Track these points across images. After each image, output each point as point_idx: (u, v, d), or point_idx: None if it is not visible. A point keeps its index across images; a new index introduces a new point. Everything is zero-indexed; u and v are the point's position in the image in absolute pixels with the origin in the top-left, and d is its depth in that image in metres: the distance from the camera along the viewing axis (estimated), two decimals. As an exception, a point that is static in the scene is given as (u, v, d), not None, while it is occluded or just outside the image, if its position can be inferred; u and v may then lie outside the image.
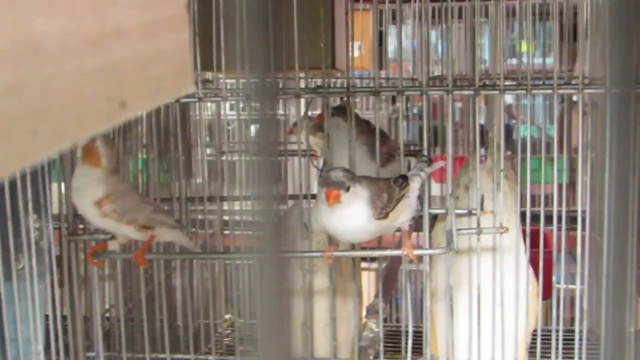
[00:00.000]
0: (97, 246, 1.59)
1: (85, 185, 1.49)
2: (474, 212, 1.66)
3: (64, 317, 1.74)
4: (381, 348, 1.72)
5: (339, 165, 1.59)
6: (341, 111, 1.79)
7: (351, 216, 1.41)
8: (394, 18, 3.37)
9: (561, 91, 1.63)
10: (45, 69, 0.55)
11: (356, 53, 2.79)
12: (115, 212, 1.50)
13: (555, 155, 1.79)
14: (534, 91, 1.62)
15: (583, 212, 1.78)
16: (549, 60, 2.66)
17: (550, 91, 1.62)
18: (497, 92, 1.63)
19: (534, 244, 1.77)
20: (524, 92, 1.62)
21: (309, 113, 2.18)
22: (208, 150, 2.20)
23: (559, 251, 1.84)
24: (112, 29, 0.64)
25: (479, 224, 1.64)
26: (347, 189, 1.38)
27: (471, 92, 1.63)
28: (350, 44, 1.77)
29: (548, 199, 1.90)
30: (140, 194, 1.63)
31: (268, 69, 0.50)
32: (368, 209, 1.41)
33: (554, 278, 1.81)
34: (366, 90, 1.75)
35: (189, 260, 1.97)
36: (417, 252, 1.55)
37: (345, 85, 1.70)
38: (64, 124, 0.57)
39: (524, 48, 2.53)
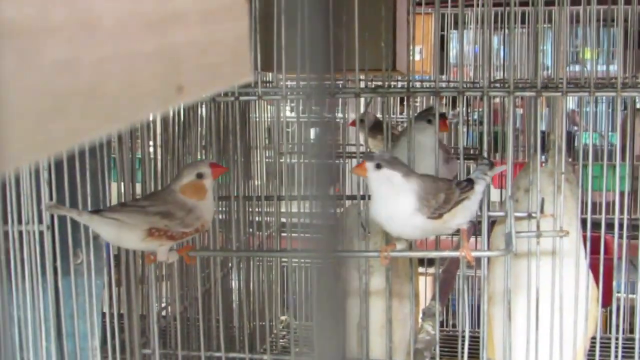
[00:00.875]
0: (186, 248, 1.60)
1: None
2: (533, 215, 1.63)
3: (120, 315, 1.75)
4: (437, 351, 1.70)
5: (421, 171, 1.59)
6: (423, 116, 1.80)
7: (394, 206, 1.40)
8: (455, 23, 3.35)
9: (625, 94, 1.60)
10: (102, 48, 0.55)
11: (417, 57, 2.78)
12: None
13: (617, 162, 1.76)
14: (597, 93, 1.59)
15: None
16: (613, 68, 2.63)
17: (613, 93, 1.60)
18: (559, 93, 1.60)
19: (595, 251, 1.74)
20: (586, 93, 1.59)
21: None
22: (267, 152, 2.20)
23: (619, 258, 1.81)
24: (170, 13, 0.64)
25: (538, 227, 1.61)
26: (378, 166, 1.37)
27: (533, 94, 1.60)
28: (411, 46, 1.76)
29: (609, 206, 1.87)
30: None
31: (327, 70, 0.49)
32: (415, 203, 1.39)
33: (614, 285, 1.78)
34: (426, 91, 1.74)
35: (245, 261, 1.98)
36: (475, 254, 1.54)
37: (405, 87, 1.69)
38: (119, 104, 0.57)
39: (588, 55, 2.50)
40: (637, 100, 2.45)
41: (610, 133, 3.28)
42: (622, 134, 2.19)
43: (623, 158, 1.85)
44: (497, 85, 2.21)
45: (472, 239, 2.11)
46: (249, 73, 0.80)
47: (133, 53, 0.59)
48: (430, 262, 3.09)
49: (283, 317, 2.35)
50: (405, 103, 3.66)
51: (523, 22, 2.96)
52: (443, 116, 1.79)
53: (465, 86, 1.68)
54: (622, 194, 1.80)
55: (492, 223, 1.83)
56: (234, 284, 2.09)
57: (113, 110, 0.56)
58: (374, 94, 1.68)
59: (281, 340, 2.27)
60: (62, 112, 0.51)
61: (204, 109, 1.89)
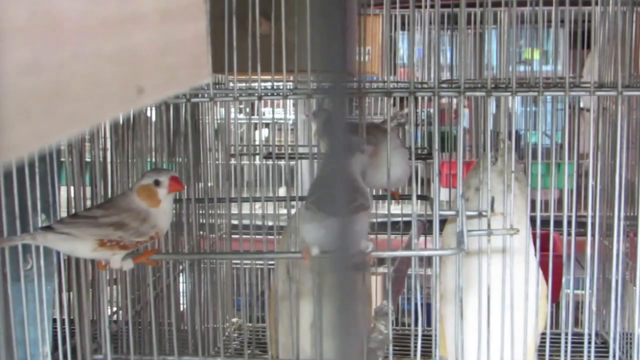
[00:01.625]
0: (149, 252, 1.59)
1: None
2: (484, 213, 1.65)
3: (71, 321, 1.73)
4: (390, 350, 1.71)
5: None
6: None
7: None
8: (402, 24, 3.37)
9: (573, 93, 1.63)
10: (64, 49, 0.54)
11: (365, 58, 2.79)
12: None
13: (566, 160, 1.79)
14: (546, 93, 1.61)
15: (592, 217, 1.78)
16: (551, 68, 2.67)
17: (562, 93, 1.62)
18: (509, 93, 1.62)
19: (543, 248, 1.76)
20: (535, 93, 1.61)
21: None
22: (217, 154, 2.19)
23: (568, 254, 1.84)
24: (130, 14, 0.64)
25: (489, 225, 1.63)
26: None
27: (483, 94, 1.62)
28: (362, 47, 1.76)
29: (557, 204, 1.89)
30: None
31: (344, 69, 0.50)
32: None
33: (563, 281, 1.80)
34: (378, 91, 1.75)
35: (196, 263, 1.97)
36: (427, 252, 1.55)
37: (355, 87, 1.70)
38: (82, 106, 0.57)
39: (531, 55, 2.52)
40: (579, 100, 2.48)
41: (555, 132, 3.31)
42: (567, 134, 2.22)
43: (569, 157, 1.87)
44: (445, 85, 2.22)
45: (423, 238, 2.13)
46: (208, 74, 0.80)
47: (94, 54, 0.58)
48: (381, 261, 3.10)
49: (234, 319, 2.34)
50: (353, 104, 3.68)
51: (468, 23, 2.98)
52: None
53: (415, 87, 1.68)
54: (568, 191, 1.82)
55: (443, 222, 1.84)
56: (184, 287, 2.08)
57: (76, 112, 0.56)
58: (326, 94, 1.68)
59: (233, 342, 2.26)
60: (26, 115, 0.50)
61: (154, 111, 1.88)
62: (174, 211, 1.87)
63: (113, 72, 0.61)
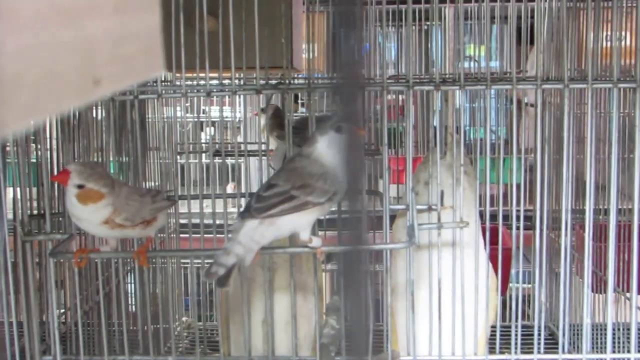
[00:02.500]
0: (82, 250, 1.57)
1: (90, 215, 1.47)
2: (434, 207, 1.66)
3: (19, 323, 1.71)
4: (342, 345, 1.71)
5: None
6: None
7: None
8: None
9: (520, 86, 1.65)
10: (21, 37, 0.54)
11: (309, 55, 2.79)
12: (127, 219, 1.49)
13: (514, 155, 1.80)
14: (493, 87, 1.63)
15: (539, 211, 1.80)
16: (495, 64, 2.69)
17: (509, 86, 1.63)
18: (457, 87, 1.63)
19: (491, 242, 1.78)
20: (483, 87, 1.63)
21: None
22: (162, 153, 2.18)
23: (518, 248, 1.85)
24: (86, 3, 0.63)
25: (439, 219, 1.64)
26: None
27: (432, 88, 1.63)
28: (310, 44, 1.76)
29: (505, 198, 1.92)
30: (132, 187, 1.59)
31: (357, 67, 0.50)
32: None
33: (512, 274, 1.82)
34: (327, 87, 1.75)
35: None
36: (378, 246, 1.56)
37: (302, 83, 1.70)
38: (39, 95, 0.56)
39: (476, 51, 2.55)
40: (519, 95, 2.50)
41: (500, 128, 3.35)
42: (511, 128, 2.24)
43: (513, 151, 1.89)
44: (391, 81, 2.23)
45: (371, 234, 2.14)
46: (161, 66, 0.80)
47: (51, 44, 0.58)
48: (329, 258, 3.11)
49: (184, 318, 2.33)
50: (299, 101, 3.68)
51: (414, 19, 3.00)
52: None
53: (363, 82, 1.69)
54: (512, 185, 1.84)
55: (392, 218, 1.85)
56: (132, 287, 2.06)
57: (32, 102, 0.55)
58: (275, 90, 1.68)
59: (183, 342, 2.25)
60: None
61: (99, 109, 1.87)
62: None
63: (70, 62, 0.61)
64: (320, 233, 2.00)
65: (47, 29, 0.57)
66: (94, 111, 1.87)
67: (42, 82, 0.56)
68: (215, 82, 1.74)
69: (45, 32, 0.57)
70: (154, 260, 2.01)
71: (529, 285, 2.58)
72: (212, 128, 3.64)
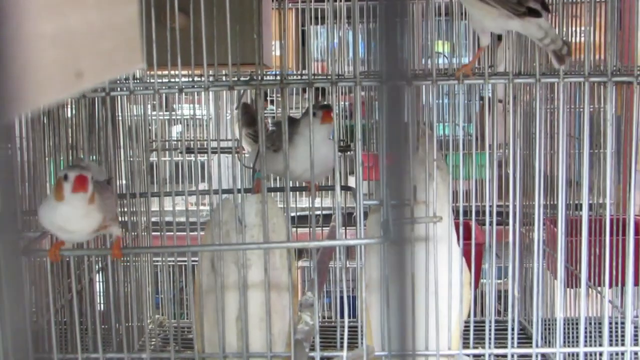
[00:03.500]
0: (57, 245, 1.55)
1: (80, 217, 1.43)
2: (406, 202, 1.66)
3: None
4: (317, 340, 1.71)
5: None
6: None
7: None
8: (315, 18, 3.38)
9: (492, 81, 1.66)
10: (5, 28, 0.53)
11: (277, 52, 2.79)
12: (112, 219, 1.48)
13: (487, 151, 1.81)
14: (466, 81, 1.64)
15: (513, 207, 1.81)
16: (466, 60, 2.71)
17: (481, 81, 1.65)
18: (429, 82, 1.64)
19: (464, 237, 1.79)
20: (455, 82, 1.64)
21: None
22: (131, 151, 2.17)
23: (488, 243, 1.86)
24: (68, -4, 0.63)
25: (412, 214, 1.64)
26: None
27: (404, 83, 1.63)
28: (281, 40, 1.76)
29: (477, 194, 1.93)
30: (99, 184, 1.57)
31: (402, 57, 0.50)
32: None
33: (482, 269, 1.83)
34: (300, 82, 1.75)
35: (117, 261, 1.94)
36: (353, 242, 1.56)
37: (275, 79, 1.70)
38: (23, 87, 0.56)
39: (442, 47, 2.56)
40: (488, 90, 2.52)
41: (468, 124, 3.37)
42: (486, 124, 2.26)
43: (482, 147, 1.90)
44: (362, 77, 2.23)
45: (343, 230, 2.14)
46: (141, 60, 0.79)
47: (35, 35, 0.57)
48: (300, 254, 3.11)
49: (157, 316, 2.33)
50: (268, 98, 3.68)
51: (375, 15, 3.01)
52: (327, 107, 1.80)
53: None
54: (482, 181, 1.85)
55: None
56: (103, 285, 2.05)
57: (18, 93, 0.55)
58: (248, 86, 1.68)
59: (155, 339, 2.25)
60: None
61: (70, 107, 1.85)
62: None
63: (52, 55, 0.60)
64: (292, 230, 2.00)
65: (29, 21, 0.57)
66: (64, 109, 1.86)
67: (27, 75, 0.56)
68: (186, 79, 1.74)
69: (28, 24, 0.57)
70: (126, 258, 2.01)
71: (500, 281, 2.61)
72: (181, 125, 3.63)
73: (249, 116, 2.29)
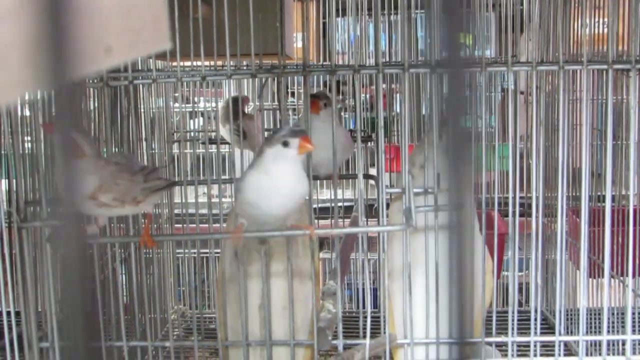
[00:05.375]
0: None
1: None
2: (430, 190, 1.66)
3: (16, 313, 1.71)
4: (339, 328, 1.71)
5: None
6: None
7: None
8: (336, 10, 3.38)
9: (515, 68, 1.66)
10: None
11: (299, 44, 2.80)
12: (115, 200, 1.48)
13: (510, 143, 1.81)
14: (489, 68, 1.64)
15: (536, 198, 1.81)
16: (489, 52, 2.70)
17: (504, 68, 1.64)
18: (454, 70, 1.64)
19: (486, 227, 1.79)
20: (478, 69, 1.64)
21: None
22: (153, 143, 2.18)
23: (511, 233, 1.86)
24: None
25: (436, 201, 1.64)
26: None
27: (427, 70, 1.64)
28: (303, 32, 1.76)
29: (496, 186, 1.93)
30: (122, 164, 1.57)
31: (459, 44, 0.50)
32: None
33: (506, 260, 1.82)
34: (322, 70, 1.75)
35: (137, 253, 1.95)
36: (375, 228, 1.56)
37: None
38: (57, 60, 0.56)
39: (464, 39, 2.53)
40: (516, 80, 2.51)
41: (490, 115, 3.36)
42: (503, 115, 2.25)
43: (504, 139, 1.90)
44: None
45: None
46: (167, 40, 0.80)
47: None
48: (321, 246, 3.12)
49: (180, 306, 2.34)
50: (289, 90, 3.68)
51: (396, 7, 3.01)
52: (314, 96, 1.81)
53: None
54: (505, 173, 1.85)
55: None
56: (125, 278, 2.06)
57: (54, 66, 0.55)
58: (270, 74, 1.68)
59: (178, 329, 2.26)
60: (5, 64, 0.50)
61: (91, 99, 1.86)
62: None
63: (82, 29, 0.61)
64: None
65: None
66: (87, 100, 1.87)
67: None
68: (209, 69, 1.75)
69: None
70: (148, 249, 2.02)
71: (521, 273, 2.60)
72: (202, 118, 3.64)
73: (234, 112, 2.25)
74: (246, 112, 2.20)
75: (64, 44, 0.45)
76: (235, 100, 2.18)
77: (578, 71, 1.90)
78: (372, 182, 2.03)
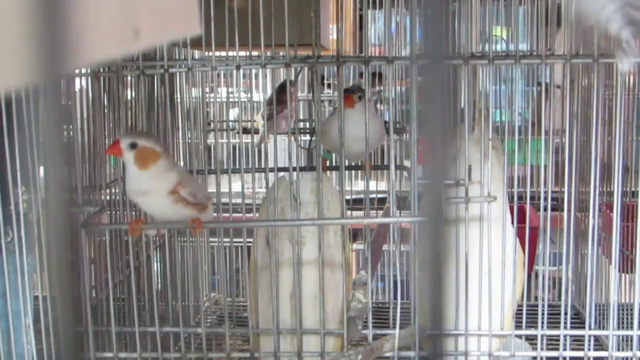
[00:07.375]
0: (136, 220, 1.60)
1: (156, 183, 1.49)
2: (461, 181, 1.66)
3: (52, 298, 1.73)
4: (369, 318, 1.72)
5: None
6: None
7: None
8: (372, 2, 3.39)
9: (550, 61, 1.66)
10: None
11: (335, 36, 2.81)
12: (190, 194, 1.51)
13: (542, 136, 1.81)
14: (522, 61, 1.64)
15: (568, 192, 1.81)
16: (523, 45, 2.70)
17: (538, 61, 1.64)
18: (485, 61, 1.64)
19: (519, 221, 1.79)
20: (512, 61, 1.64)
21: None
22: (188, 133, 2.19)
23: (543, 227, 1.86)
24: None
25: (467, 193, 1.65)
26: None
27: (460, 62, 1.64)
28: (338, 23, 1.76)
29: (532, 180, 1.93)
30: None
31: (443, 38, 0.50)
32: None
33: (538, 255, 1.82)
34: (356, 60, 1.75)
35: (174, 240, 1.97)
36: (407, 219, 1.57)
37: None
38: (82, 42, 0.57)
39: (500, 32, 2.54)
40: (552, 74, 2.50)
41: (525, 109, 3.36)
42: (538, 109, 2.24)
43: (539, 132, 1.89)
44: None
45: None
46: (198, 26, 0.81)
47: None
48: (355, 237, 3.13)
49: (213, 294, 2.36)
50: (325, 82, 3.69)
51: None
52: (348, 90, 1.83)
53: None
54: (539, 167, 1.84)
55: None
56: (159, 265, 2.08)
57: (76, 47, 0.57)
58: (304, 63, 1.69)
59: (211, 316, 2.28)
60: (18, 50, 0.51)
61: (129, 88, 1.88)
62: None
63: (112, 11, 0.62)
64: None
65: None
66: (124, 89, 1.89)
67: (86, 30, 0.58)
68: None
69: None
70: (183, 238, 2.04)
71: (554, 268, 2.59)
72: (238, 109, 3.66)
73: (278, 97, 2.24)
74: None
75: (57, 36, 0.46)
76: (281, 86, 2.18)
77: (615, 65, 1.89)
78: (406, 173, 2.03)
